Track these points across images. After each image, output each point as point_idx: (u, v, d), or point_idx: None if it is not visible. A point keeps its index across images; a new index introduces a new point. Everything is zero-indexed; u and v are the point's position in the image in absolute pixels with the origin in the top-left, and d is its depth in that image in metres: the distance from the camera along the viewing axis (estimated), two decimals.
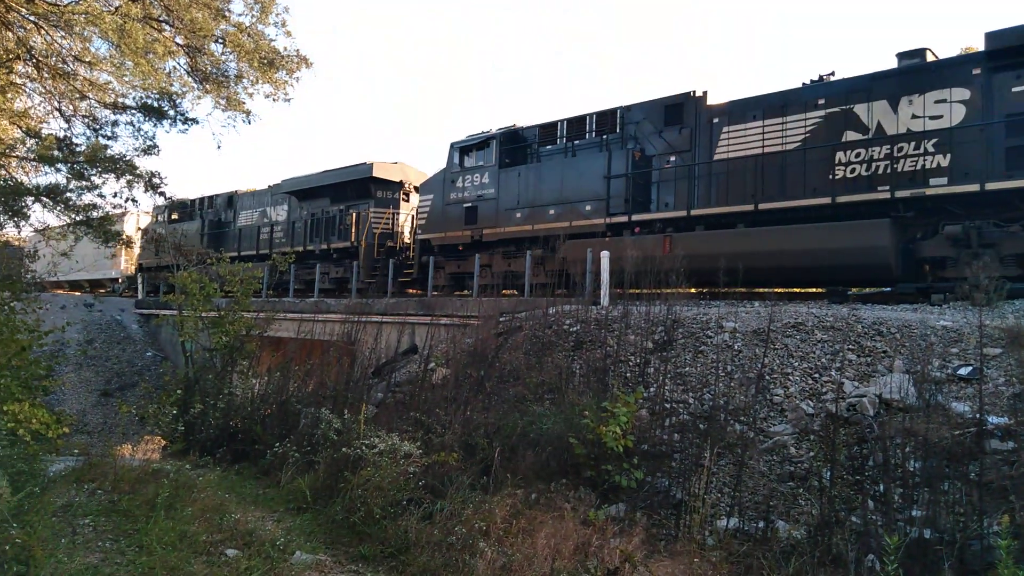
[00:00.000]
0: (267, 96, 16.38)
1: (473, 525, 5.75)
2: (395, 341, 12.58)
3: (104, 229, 14.66)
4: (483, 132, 18.09)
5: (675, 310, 9.89)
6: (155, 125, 15.62)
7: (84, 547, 5.44)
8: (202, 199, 28.79)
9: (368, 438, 7.11)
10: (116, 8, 11.55)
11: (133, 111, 15.03)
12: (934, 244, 10.74)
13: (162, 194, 15.66)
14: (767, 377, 7.89)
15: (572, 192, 15.44)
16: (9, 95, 13.01)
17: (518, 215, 16.49)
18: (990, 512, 5.26)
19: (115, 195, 15.48)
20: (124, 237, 18.18)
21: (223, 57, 15.41)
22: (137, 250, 28.30)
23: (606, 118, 15.66)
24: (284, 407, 9.31)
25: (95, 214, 14.49)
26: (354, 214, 21.78)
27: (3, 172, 13.88)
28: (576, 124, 16.29)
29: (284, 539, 5.81)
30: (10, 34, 12.68)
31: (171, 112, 15.30)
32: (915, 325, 8.11)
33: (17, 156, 14.28)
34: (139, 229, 27.40)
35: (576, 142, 16.10)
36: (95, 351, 22.19)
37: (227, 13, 13.77)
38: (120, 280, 31.55)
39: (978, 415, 6.06)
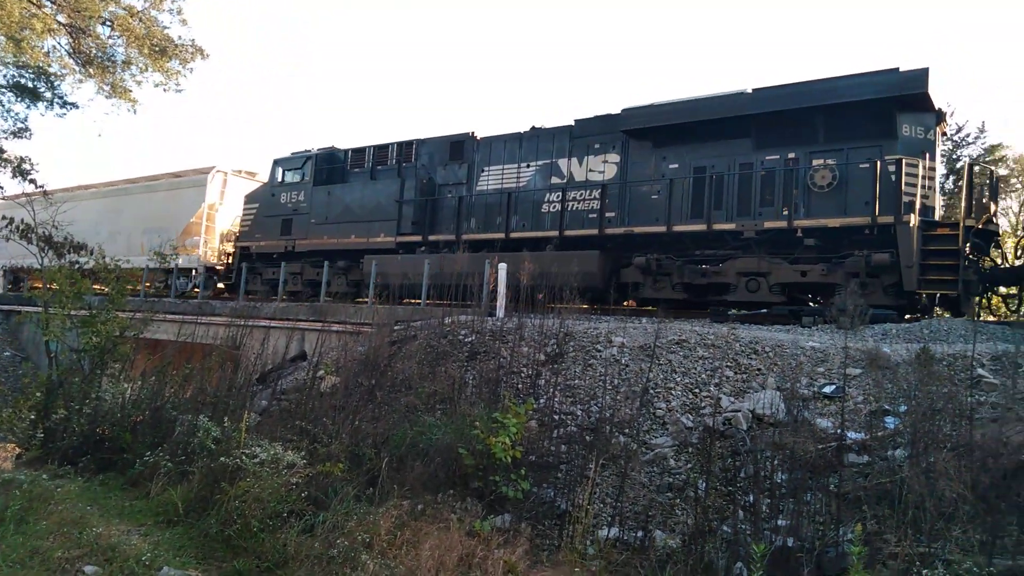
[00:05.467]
0: (157, 85, 15.57)
1: (356, 537, 5.62)
2: (283, 347, 12.16)
3: None
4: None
5: (568, 323, 10.09)
6: (28, 107, 14.52)
7: None
8: (379, 148, 18.43)
9: (249, 447, 6.82)
10: None
11: (3, 90, 13.89)
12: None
13: (32, 181, 14.52)
14: (651, 391, 8.18)
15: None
16: None
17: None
18: (846, 521, 5.66)
19: None
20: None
21: (110, 41, 14.53)
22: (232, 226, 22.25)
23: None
24: (158, 414, 8.79)
25: None
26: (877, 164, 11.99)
27: None
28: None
29: (151, 554, 5.47)
30: None
31: (47, 94, 14.25)
32: (787, 345, 8.65)
33: None
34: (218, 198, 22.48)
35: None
36: None
37: None
38: (195, 273, 21.90)
39: (839, 431, 6.53)
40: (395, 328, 11.42)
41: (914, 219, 10.85)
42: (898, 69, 11.59)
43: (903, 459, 5.97)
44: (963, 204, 11.43)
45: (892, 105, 11.54)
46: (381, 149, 18.17)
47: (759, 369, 8.29)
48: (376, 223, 17.21)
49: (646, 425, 7.75)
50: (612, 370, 8.87)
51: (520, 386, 8.93)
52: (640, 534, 6.09)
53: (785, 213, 12.06)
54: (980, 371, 7.02)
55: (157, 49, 14.87)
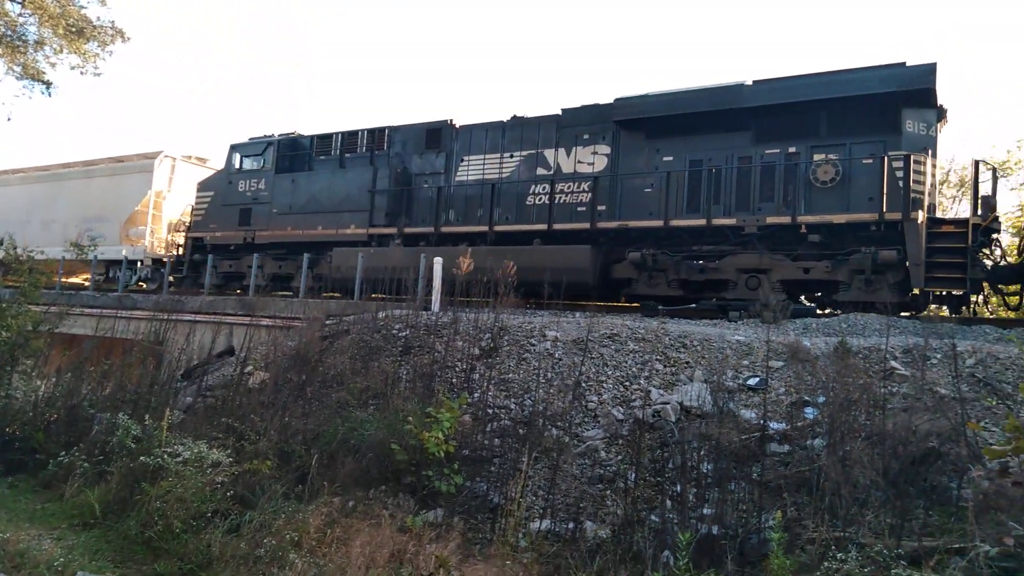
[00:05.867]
0: (73, 68, 14.85)
1: (284, 536, 5.52)
2: (209, 342, 11.79)
3: None
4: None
5: (502, 318, 10.12)
6: None
7: None
8: (348, 135, 17.63)
9: (171, 446, 6.59)
10: None
11: None
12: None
13: None
14: (584, 384, 8.28)
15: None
16: None
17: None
18: (768, 508, 5.87)
19: None
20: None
21: (20, 19, 13.76)
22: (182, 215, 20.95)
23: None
24: (74, 412, 8.40)
25: None
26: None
27: None
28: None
29: (64, 559, 5.23)
30: None
31: None
32: (714, 339, 8.90)
33: None
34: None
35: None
36: None
37: None
38: (142, 264, 20.54)
39: (762, 421, 6.76)
40: (327, 323, 11.22)
41: (922, 216, 10.73)
42: (904, 63, 11.50)
43: (821, 448, 6.23)
44: (970, 201, 11.30)
45: (897, 100, 11.37)
46: (350, 136, 17.27)
47: (687, 362, 8.49)
48: (346, 214, 16.33)
49: (578, 418, 7.84)
50: (546, 364, 8.94)
51: (454, 380, 8.91)
52: (571, 525, 6.17)
53: (786, 208, 11.88)
54: (893, 363, 7.39)
55: (73, 30, 14.14)
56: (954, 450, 5.75)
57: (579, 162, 14.28)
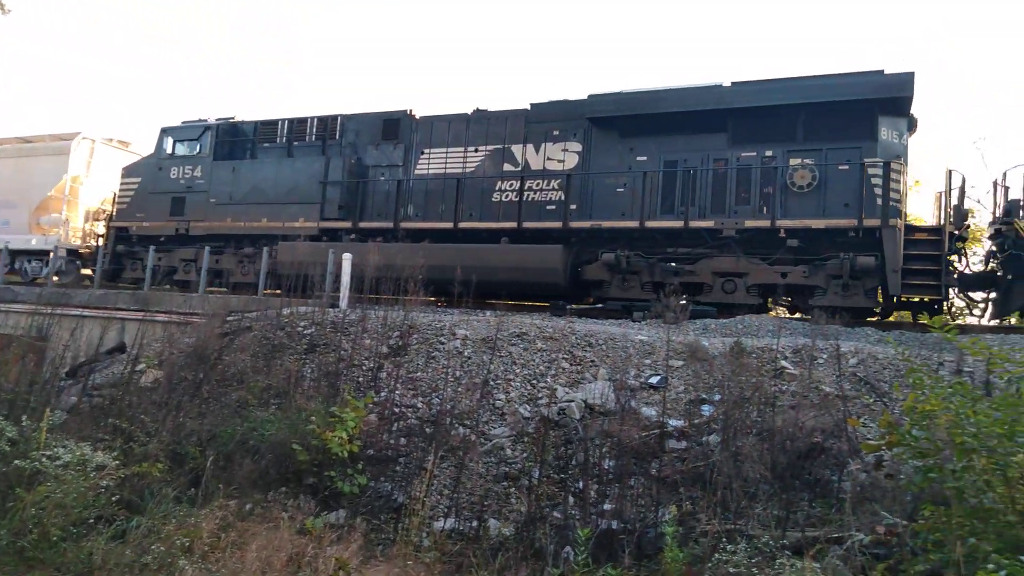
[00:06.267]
0: None
1: (174, 542, 5.27)
2: (98, 338, 11.11)
3: None
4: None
5: (412, 316, 10.02)
6: None
7: None
8: (296, 122, 16.66)
9: (51, 448, 6.17)
10: None
11: None
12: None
13: None
14: (492, 383, 8.31)
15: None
16: None
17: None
18: (665, 503, 6.06)
19: None
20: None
21: None
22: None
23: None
24: None
25: None
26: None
27: None
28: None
29: None
30: None
31: None
32: (619, 338, 9.11)
33: None
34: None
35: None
36: None
37: None
38: (55, 253, 18.23)
39: (661, 418, 6.98)
40: (228, 319, 10.79)
41: (900, 223, 10.90)
42: (883, 71, 11.61)
43: (716, 444, 6.49)
44: (945, 210, 11.41)
45: (874, 107, 11.45)
46: (299, 123, 16.26)
47: (593, 361, 8.67)
48: (294, 206, 15.36)
49: (486, 416, 7.86)
50: (455, 362, 8.92)
51: (361, 379, 8.76)
52: (475, 524, 6.19)
53: (764, 212, 11.78)
54: (783, 363, 7.78)
55: None
56: (836, 445, 6.11)
57: (548, 159, 13.77)
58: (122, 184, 17.96)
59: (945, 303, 11.68)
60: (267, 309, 11.19)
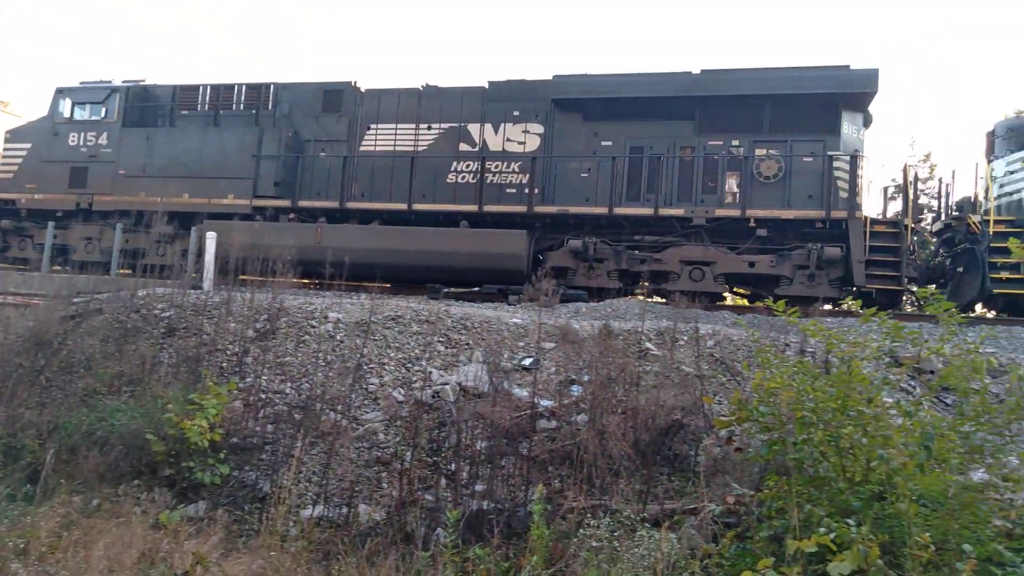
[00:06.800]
0: None
1: (7, 543, 4.81)
2: None
3: None
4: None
5: (281, 298, 9.64)
6: None
7: None
8: (222, 89, 15.42)
9: None
10: None
11: None
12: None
13: None
14: (365, 367, 8.17)
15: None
16: None
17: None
18: (536, 482, 6.20)
19: None
20: None
21: None
22: None
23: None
24: None
25: None
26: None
27: None
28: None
29: None
30: None
31: None
32: (493, 321, 9.20)
33: None
34: None
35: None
36: None
37: None
38: None
39: (533, 399, 7.12)
40: (75, 301, 9.94)
41: (864, 215, 11.20)
42: (848, 67, 11.82)
43: (584, 423, 6.70)
44: (904, 204, 11.98)
45: (839, 101, 11.67)
46: (226, 90, 14.96)
47: (468, 344, 8.70)
48: (222, 181, 14.07)
49: (358, 401, 7.72)
50: (326, 346, 8.69)
51: (225, 365, 8.36)
52: (345, 510, 6.08)
53: (729, 202, 11.85)
54: (647, 344, 8.15)
55: None
56: (694, 421, 6.48)
57: (508, 140, 13.33)
58: (6, 149, 15.85)
59: (905, 295, 12.14)
60: (120, 290, 10.41)
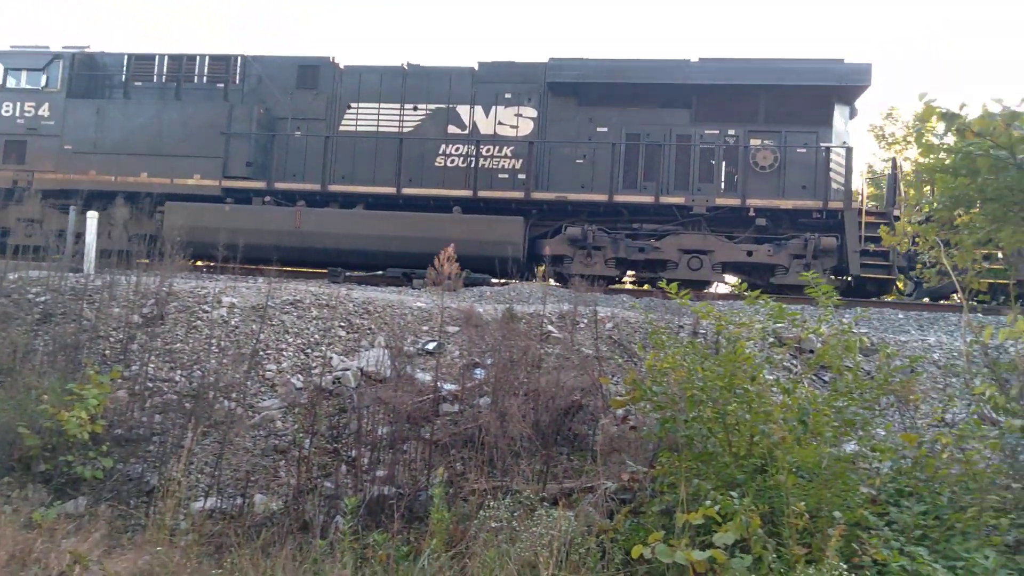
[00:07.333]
0: None
1: None
2: None
3: None
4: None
5: (170, 282, 9.18)
6: None
7: None
8: (184, 60, 14.16)
9: None
10: None
11: None
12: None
13: None
14: (262, 353, 7.92)
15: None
16: None
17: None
18: (438, 466, 6.20)
19: None
20: None
21: None
22: None
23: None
24: None
25: None
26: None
27: None
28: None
29: None
30: None
31: None
32: (396, 305, 9.10)
33: None
34: None
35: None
36: None
37: None
38: None
39: (436, 383, 7.10)
40: None
41: (859, 206, 11.38)
42: (843, 60, 11.95)
43: (487, 406, 6.75)
44: (892, 195, 12.02)
45: (832, 94, 11.80)
46: (188, 61, 13.73)
47: (370, 328, 8.58)
48: (186, 159, 13.01)
49: (254, 388, 7.49)
50: (220, 332, 8.35)
51: (108, 352, 7.90)
52: (240, 500, 5.89)
53: (735, 190, 11.84)
54: (549, 327, 8.28)
55: None
56: (592, 402, 6.64)
57: (500, 123, 12.93)
58: None
59: (898, 283, 12.46)
60: None
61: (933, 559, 3.67)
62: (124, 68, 14.30)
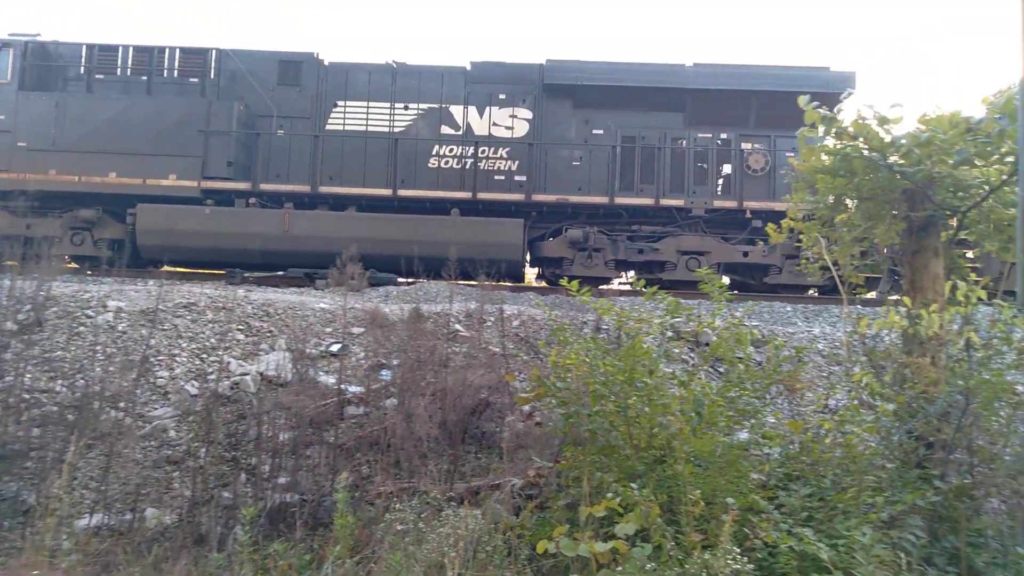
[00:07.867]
0: None
1: None
2: None
3: None
4: None
5: (49, 286, 8.57)
6: None
7: None
8: (154, 52, 12.87)
9: None
10: None
11: None
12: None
13: None
14: (153, 359, 7.52)
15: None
16: None
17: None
18: (344, 470, 6.07)
19: None
20: None
21: None
22: None
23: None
24: None
25: None
26: None
27: None
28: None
29: None
30: None
31: None
32: (299, 307, 8.85)
33: None
34: None
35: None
36: None
37: None
38: None
39: (340, 386, 6.96)
40: None
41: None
42: (828, 68, 12.29)
43: (393, 408, 6.66)
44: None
45: (817, 102, 12.05)
46: (159, 53, 12.72)
47: (271, 331, 8.31)
48: (160, 158, 12.11)
49: (144, 397, 7.10)
50: (106, 338, 7.87)
51: None
52: (129, 516, 5.57)
53: (720, 193, 12.14)
54: (457, 326, 8.27)
55: None
56: (499, 400, 6.67)
57: (495, 124, 12.77)
58: None
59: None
60: None
61: (818, 538, 3.89)
62: (84, 59, 13.29)
